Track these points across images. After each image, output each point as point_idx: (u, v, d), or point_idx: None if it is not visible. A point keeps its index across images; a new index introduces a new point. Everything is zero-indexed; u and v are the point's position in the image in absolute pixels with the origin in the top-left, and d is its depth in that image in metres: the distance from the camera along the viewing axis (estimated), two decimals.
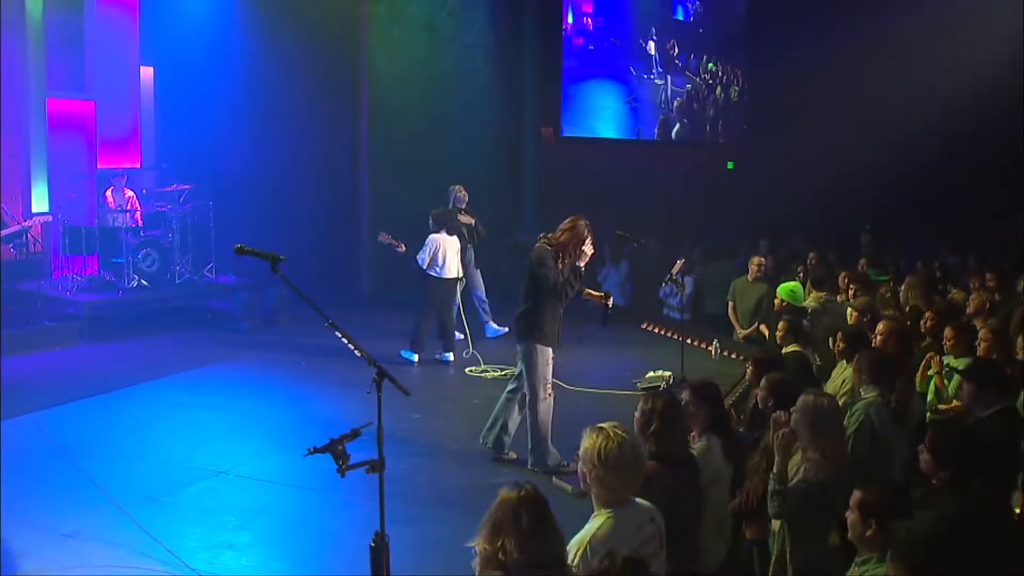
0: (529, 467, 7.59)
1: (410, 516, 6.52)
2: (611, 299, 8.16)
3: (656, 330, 12.93)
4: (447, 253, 11.08)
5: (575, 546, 3.93)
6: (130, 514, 6.57)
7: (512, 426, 7.88)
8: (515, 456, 7.90)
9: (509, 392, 7.91)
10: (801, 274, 12.14)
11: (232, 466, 7.60)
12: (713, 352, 11.18)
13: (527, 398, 7.67)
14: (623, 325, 13.21)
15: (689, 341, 11.34)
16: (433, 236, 11.10)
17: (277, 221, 14.37)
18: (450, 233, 11.16)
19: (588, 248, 7.57)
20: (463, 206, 11.78)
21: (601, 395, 9.59)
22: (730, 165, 21.90)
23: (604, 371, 10.60)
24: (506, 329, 11.77)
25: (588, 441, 4.09)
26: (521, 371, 7.73)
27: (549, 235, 7.64)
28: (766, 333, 10.83)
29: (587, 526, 4.03)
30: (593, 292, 8.12)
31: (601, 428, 4.11)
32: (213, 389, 9.93)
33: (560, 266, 7.53)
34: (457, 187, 11.88)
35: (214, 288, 13.51)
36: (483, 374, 10.57)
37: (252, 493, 7.15)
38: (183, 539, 6.29)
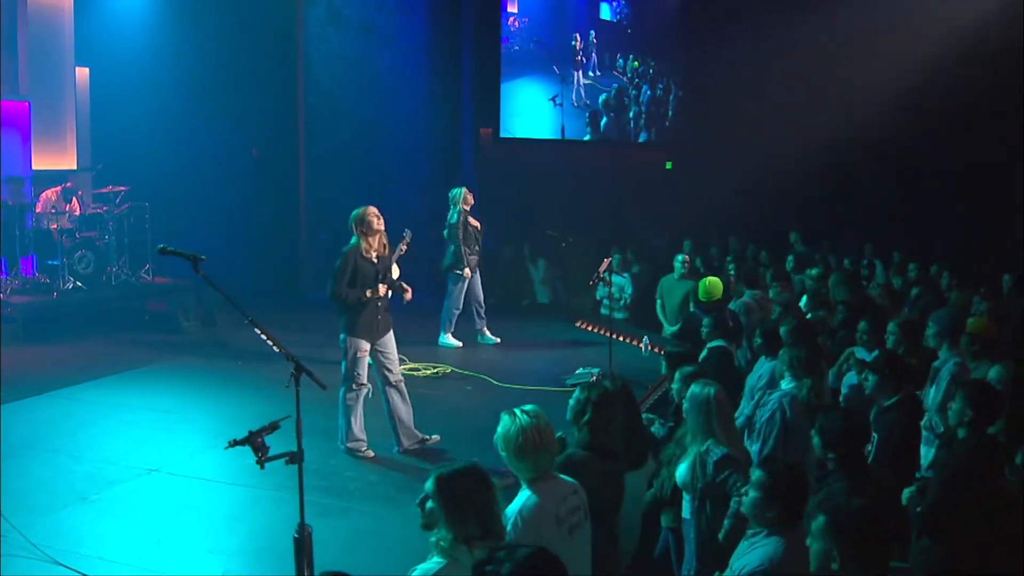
0: (398, 450, 8.00)
1: (339, 509, 6.73)
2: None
3: (589, 328, 13.17)
4: None
5: (506, 519, 4.07)
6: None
7: (404, 415, 8.09)
8: (437, 438, 8.21)
9: (383, 393, 8.12)
10: (733, 272, 12.44)
11: (164, 464, 7.71)
12: (643, 349, 11.42)
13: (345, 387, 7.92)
14: (555, 323, 13.51)
15: (621, 338, 11.61)
16: None
17: (215, 222, 14.42)
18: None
19: (378, 227, 7.91)
20: (468, 208, 11.86)
21: (531, 392, 9.72)
22: (668, 165, 22.15)
23: (536, 368, 10.83)
24: (499, 340, 11.99)
25: (499, 427, 4.27)
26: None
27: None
28: None
29: (515, 501, 4.19)
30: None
31: (511, 413, 4.26)
32: (149, 389, 9.96)
33: (371, 254, 7.90)
34: (464, 189, 11.96)
35: (151, 289, 13.52)
36: (414, 372, 10.60)
37: (183, 490, 7.25)
38: (113, 536, 6.40)
